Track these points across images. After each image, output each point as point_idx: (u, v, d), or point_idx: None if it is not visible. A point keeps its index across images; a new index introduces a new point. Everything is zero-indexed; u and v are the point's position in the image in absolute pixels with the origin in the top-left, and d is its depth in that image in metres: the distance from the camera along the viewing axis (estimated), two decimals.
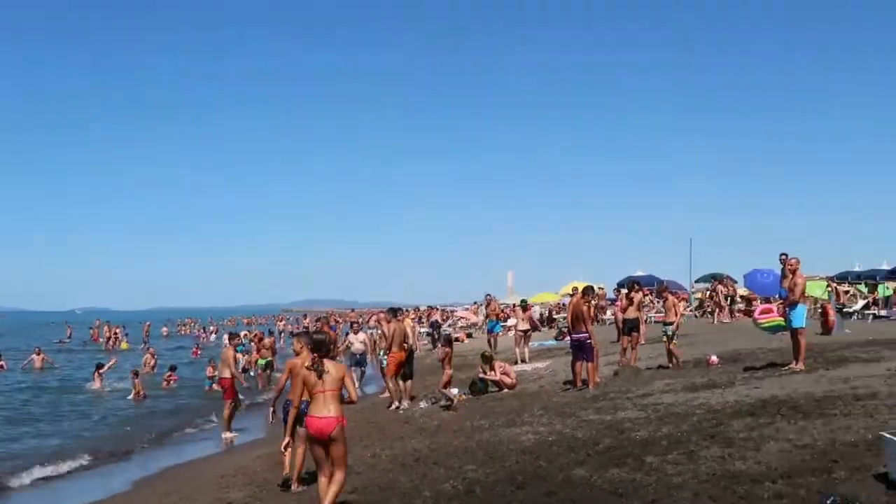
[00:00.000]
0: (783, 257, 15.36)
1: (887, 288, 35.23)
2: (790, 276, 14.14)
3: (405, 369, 17.25)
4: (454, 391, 17.46)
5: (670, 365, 16.74)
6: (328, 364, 7.67)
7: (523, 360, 22.69)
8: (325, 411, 7.47)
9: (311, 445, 7.87)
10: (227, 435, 17.25)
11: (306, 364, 7.95)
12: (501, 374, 17.52)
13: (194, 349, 45.65)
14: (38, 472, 14.06)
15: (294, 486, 9.81)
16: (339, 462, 7.56)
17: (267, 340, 30.55)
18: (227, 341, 20.65)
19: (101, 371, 27.43)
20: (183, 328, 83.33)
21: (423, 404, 16.50)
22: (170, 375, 28.80)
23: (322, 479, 7.68)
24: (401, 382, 17.05)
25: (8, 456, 15.74)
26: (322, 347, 7.81)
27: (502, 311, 34.48)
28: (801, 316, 13.93)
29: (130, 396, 24.61)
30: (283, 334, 52.09)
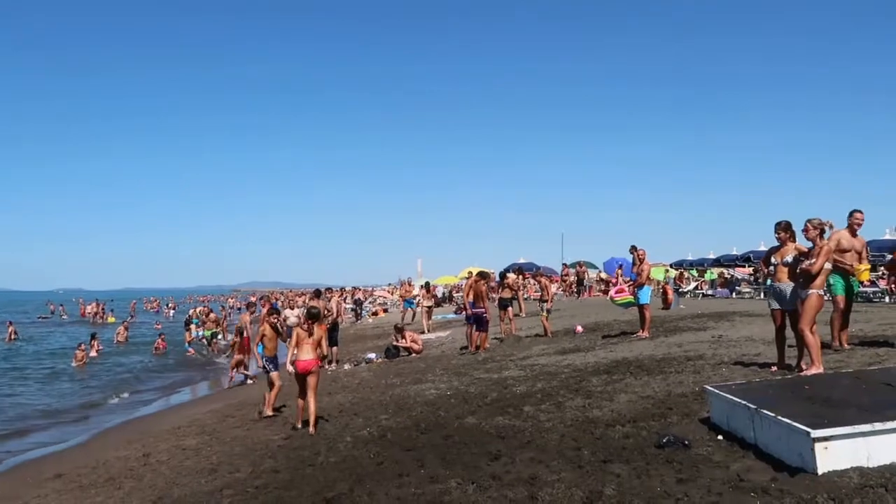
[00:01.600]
0: (633, 248, 15.62)
1: (712, 273, 36.72)
2: (639, 263, 14.51)
3: (332, 335, 17.00)
4: (372, 356, 17.34)
5: (545, 334, 16.94)
6: (315, 327, 9.33)
7: (428, 331, 22.69)
8: (307, 356, 9.16)
9: (296, 378, 9.20)
10: (233, 375, 17.23)
11: (301, 325, 9.75)
12: (411, 341, 17.47)
13: (156, 324, 44.56)
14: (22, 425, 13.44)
15: (269, 413, 10.74)
16: (313, 388, 9.12)
17: (213, 315, 29.88)
18: (244, 310, 20.20)
19: (94, 341, 25.85)
20: (149, 305, 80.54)
21: (346, 366, 16.28)
22: (160, 342, 27.51)
23: (300, 402, 9.21)
24: (327, 348, 16.75)
25: None
26: (314, 317, 9.50)
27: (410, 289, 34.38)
28: (646, 294, 14.28)
29: (74, 364, 22.77)
30: (232, 310, 50.75)
